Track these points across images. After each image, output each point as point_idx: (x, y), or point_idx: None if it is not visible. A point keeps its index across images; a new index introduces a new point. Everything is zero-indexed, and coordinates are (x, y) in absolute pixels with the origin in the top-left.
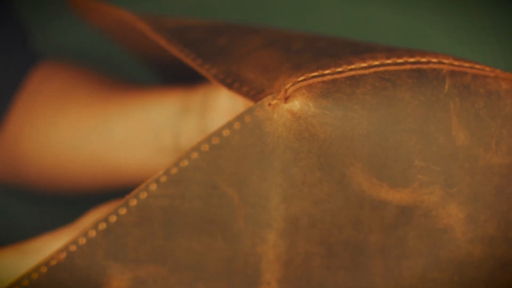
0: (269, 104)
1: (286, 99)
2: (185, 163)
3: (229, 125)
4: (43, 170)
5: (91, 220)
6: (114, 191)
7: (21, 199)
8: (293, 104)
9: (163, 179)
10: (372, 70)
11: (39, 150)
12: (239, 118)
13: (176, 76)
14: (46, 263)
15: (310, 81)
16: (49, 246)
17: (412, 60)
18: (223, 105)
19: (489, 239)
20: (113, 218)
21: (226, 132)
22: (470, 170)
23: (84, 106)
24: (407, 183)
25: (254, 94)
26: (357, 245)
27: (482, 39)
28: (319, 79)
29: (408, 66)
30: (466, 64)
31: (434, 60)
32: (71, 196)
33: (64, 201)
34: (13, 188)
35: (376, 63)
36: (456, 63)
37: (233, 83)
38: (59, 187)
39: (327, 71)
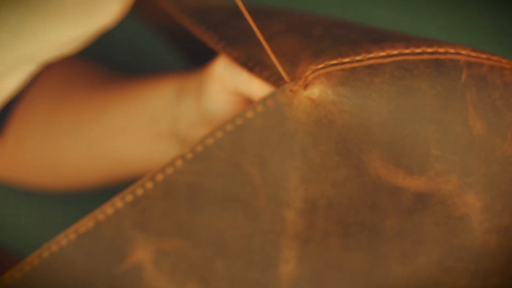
0: (290, 90)
1: (305, 86)
2: (210, 141)
3: (253, 107)
4: (44, 163)
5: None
6: (116, 184)
7: (21, 199)
8: (312, 92)
9: (189, 156)
10: (390, 59)
11: (40, 143)
12: (263, 101)
13: (198, 56)
14: (75, 229)
15: (329, 69)
16: None
17: (430, 50)
18: (218, 79)
19: (504, 229)
20: (140, 191)
21: (249, 114)
22: (486, 160)
23: (83, 98)
24: (423, 171)
25: (276, 79)
26: (373, 228)
27: (482, 39)
28: (338, 67)
29: (426, 56)
30: (483, 56)
31: (452, 50)
32: (72, 191)
33: (65, 200)
34: (13, 187)
35: (395, 52)
36: (473, 54)
37: (254, 66)
38: (60, 181)
39: (346, 59)
